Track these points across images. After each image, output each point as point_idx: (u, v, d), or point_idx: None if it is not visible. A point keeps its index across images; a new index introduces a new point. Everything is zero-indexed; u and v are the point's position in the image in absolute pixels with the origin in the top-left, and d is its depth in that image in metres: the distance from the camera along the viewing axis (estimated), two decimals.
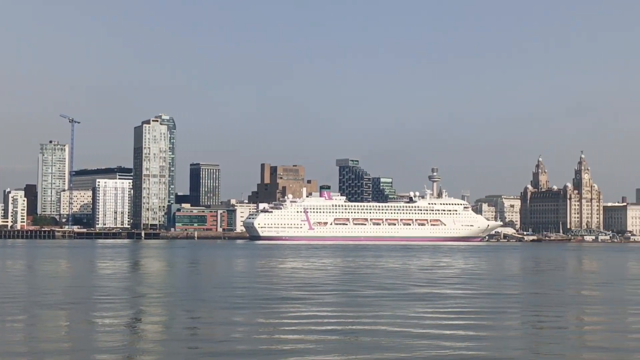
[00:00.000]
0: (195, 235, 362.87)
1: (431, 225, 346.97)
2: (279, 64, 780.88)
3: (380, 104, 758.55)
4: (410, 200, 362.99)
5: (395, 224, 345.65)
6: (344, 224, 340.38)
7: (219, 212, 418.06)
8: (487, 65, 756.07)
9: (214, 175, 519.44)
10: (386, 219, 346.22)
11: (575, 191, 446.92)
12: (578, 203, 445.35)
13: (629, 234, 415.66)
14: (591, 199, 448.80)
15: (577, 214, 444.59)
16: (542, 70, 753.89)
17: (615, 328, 43.53)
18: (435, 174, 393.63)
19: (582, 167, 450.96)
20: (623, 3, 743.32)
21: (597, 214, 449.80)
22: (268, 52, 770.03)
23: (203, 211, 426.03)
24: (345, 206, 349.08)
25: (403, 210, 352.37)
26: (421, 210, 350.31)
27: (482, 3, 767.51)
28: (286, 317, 46.48)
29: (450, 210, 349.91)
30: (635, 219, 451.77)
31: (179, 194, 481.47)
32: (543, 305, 56.43)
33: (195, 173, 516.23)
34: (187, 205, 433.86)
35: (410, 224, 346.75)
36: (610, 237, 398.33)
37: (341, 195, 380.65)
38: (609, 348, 36.42)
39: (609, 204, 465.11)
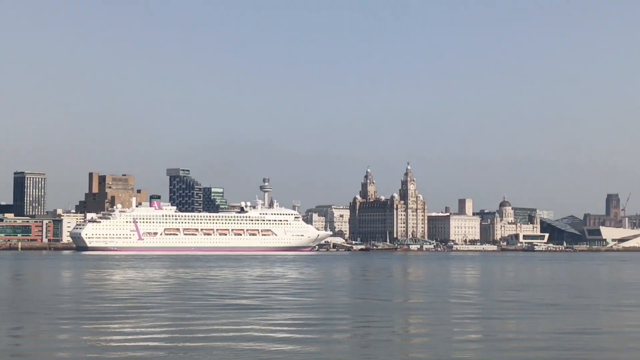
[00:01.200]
0: (19, 246, 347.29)
1: (262, 235, 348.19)
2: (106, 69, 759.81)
3: (212, 113, 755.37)
4: (242, 210, 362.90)
5: (226, 234, 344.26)
6: (174, 234, 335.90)
7: (45, 222, 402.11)
8: (312, 76, 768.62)
9: (40, 185, 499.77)
10: (217, 229, 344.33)
11: (402, 201, 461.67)
12: (404, 213, 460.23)
13: (452, 243, 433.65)
14: (417, 209, 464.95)
15: (403, 223, 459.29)
16: (368, 81, 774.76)
17: (438, 334, 44.95)
18: (266, 184, 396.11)
19: (408, 178, 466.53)
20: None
21: (422, 224, 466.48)
22: (94, 57, 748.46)
23: (27, 221, 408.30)
24: (176, 216, 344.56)
25: (234, 220, 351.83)
26: (252, 220, 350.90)
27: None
28: (111, 332, 44.98)
29: (281, 221, 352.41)
30: (458, 228, 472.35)
31: (2, 203, 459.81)
32: (371, 313, 57.60)
33: (19, 182, 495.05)
34: (10, 215, 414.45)
35: (241, 234, 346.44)
36: (434, 246, 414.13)
37: (172, 205, 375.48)
38: (434, 354, 37.52)
39: (434, 214, 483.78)
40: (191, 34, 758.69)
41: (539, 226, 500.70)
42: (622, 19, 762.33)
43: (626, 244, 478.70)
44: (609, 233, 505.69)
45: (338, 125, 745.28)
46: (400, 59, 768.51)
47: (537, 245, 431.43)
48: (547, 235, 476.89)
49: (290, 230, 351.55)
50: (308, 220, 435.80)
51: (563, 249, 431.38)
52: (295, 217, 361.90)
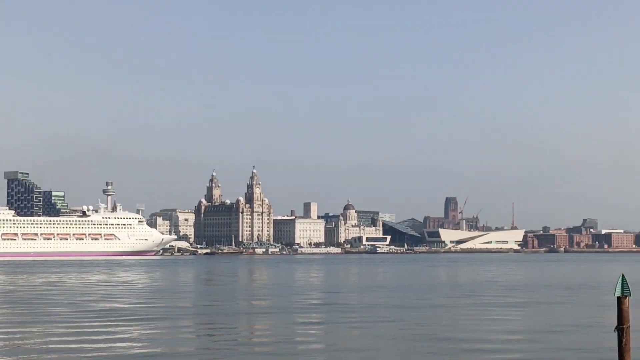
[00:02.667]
0: None
1: (105, 239, 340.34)
2: None
3: (52, 114, 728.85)
4: (84, 214, 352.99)
5: (67, 239, 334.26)
6: (12, 239, 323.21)
7: None
8: (156, 79, 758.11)
9: None
10: (58, 234, 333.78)
11: (247, 205, 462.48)
12: (250, 217, 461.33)
13: (297, 246, 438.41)
14: (262, 213, 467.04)
15: (249, 227, 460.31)
16: (213, 85, 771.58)
17: (281, 334, 45.57)
18: (109, 187, 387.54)
19: (254, 182, 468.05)
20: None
21: (268, 227, 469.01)
22: None
23: None
24: (14, 221, 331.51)
25: (75, 224, 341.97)
26: (95, 224, 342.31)
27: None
28: None
29: (124, 225, 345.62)
30: (303, 231, 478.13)
31: None
32: (216, 316, 57.63)
33: None
34: None
35: (83, 239, 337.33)
36: (279, 249, 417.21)
37: (9, 209, 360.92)
38: (277, 354, 38.06)
39: (279, 218, 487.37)
40: (36, 33, 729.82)
41: (381, 229, 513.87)
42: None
43: (463, 246, 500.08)
44: (447, 235, 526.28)
45: (184, 128, 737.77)
46: (245, 63, 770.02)
47: (379, 247, 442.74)
48: (389, 237, 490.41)
49: (134, 234, 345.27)
50: (152, 224, 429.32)
51: (404, 250, 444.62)
52: (139, 221, 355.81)
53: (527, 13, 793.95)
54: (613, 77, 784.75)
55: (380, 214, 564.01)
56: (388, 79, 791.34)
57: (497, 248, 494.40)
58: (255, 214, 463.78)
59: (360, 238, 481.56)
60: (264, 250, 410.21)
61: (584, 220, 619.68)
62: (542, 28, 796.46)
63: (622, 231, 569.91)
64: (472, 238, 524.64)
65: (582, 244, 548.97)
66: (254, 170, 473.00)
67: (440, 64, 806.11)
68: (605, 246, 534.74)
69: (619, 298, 21.46)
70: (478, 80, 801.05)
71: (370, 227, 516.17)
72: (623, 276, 21.57)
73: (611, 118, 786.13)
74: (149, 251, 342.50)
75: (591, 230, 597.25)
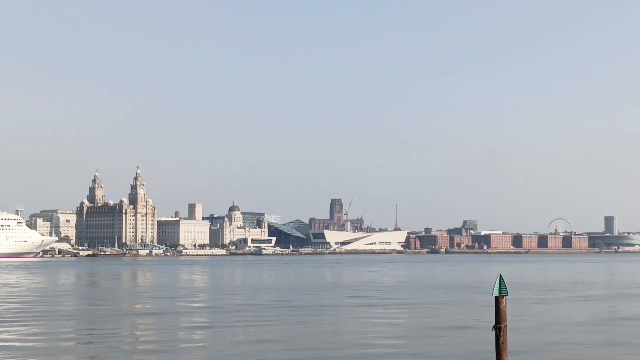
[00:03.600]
0: None
1: None
2: None
3: None
4: None
5: None
6: None
7: None
8: (43, 75, 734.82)
9: None
10: None
11: (131, 206, 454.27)
12: (133, 218, 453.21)
13: (181, 248, 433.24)
14: (146, 214, 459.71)
15: (133, 228, 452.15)
16: (99, 84, 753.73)
17: (164, 337, 45.00)
18: None
19: (138, 183, 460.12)
20: None
21: (152, 229, 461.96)
22: None
23: None
24: None
25: None
26: None
27: None
28: None
29: (2, 226, 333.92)
30: (188, 233, 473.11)
31: None
32: (98, 320, 56.37)
33: None
34: None
35: None
36: (163, 250, 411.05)
37: None
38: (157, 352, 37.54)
39: (163, 219, 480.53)
40: None
41: (266, 230, 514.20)
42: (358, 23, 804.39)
43: (348, 247, 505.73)
44: (332, 236, 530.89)
45: (67, 127, 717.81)
46: (129, 62, 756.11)
47: (265, 249, 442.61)
48: (274, 239, 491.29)
49: (13, 235, 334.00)
50: (32, 225, 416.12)
51: (289, 252, 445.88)
52: (18, 222, 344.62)
53: (412, 20, 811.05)
54: (487, 83, 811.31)
55: (265, 215, 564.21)
56: (270, 79, 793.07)
57: (380, 249, 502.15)
58: (139, 215, 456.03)
59: (245, 240, 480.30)
60: (147, 251, 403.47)
61: (465, 222, 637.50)
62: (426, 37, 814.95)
63: (500, 232, 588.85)
64: (357, 239, 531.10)
65: (462, 245, 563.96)
66: (138, 171, 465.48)
67: (325, 67, 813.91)
68: (485, 247, 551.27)
69: (496, 298, 22.05)
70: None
71: (256, 228, 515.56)
72: (501, 276, 22.19)
73: (487, 123, 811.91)
74: (28, 253, 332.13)
75: (471, 231, 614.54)
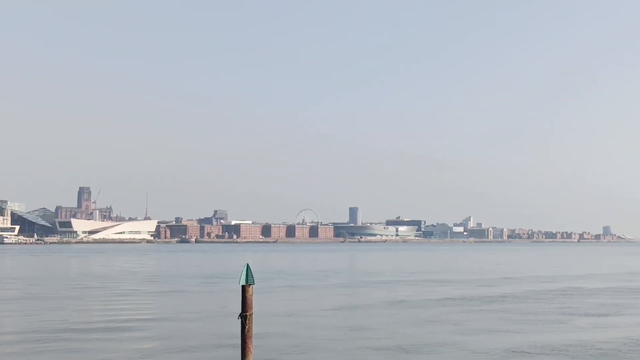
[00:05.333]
0: None
1: None
2: None
3: None
4: None
5: None
6: None
7: None
8: None
9: None
10: None
11: None
12: None
13: None
14: None
15: None
16: None
17: None
18: None
19: None
20: None
21: None
22: None
23: None
24: None
25: None
26: None
27: None
28: None
29: None
30: None
31: None
32: None
33: None
34: None
35: None
36: None
37: None
38: None
39: None
40: None
41: (9, 218, 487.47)
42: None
43: (96, 236, 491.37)
44: (80, 225, 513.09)
45: None
46: None
47: (7, 237, 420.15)
48: (18, 227, 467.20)
49: None
50: None
51: (34, 241, 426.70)
52: None
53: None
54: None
55: (8, 202, 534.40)
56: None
57: (130, 238, 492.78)
58: None
59: None
60: None
61: (215, 212, 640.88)
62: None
63: (250, 222, 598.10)
64: (105, 228, 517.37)
65: (212, 235, 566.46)
66: None
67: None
68: (235, 236, 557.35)
69: (243, 286, 22.68)
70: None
71: None
72: (248, 265, 22.85)
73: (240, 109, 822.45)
74: None
75: (222, 221, 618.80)
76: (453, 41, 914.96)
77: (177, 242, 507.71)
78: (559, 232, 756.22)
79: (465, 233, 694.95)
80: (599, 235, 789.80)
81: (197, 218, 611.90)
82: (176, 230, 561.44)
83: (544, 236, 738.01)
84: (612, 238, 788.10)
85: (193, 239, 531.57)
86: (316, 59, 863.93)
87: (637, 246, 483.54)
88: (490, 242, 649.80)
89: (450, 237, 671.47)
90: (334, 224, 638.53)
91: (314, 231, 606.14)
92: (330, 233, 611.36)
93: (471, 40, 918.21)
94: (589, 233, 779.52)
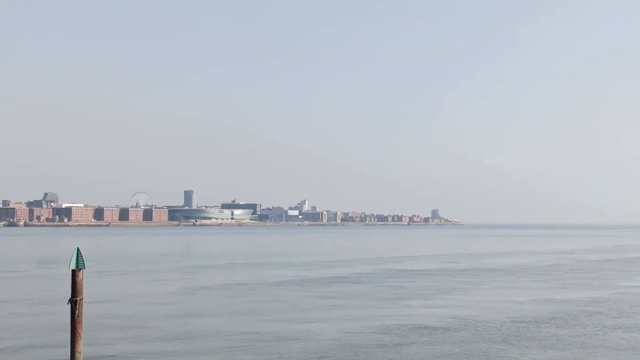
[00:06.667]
0: None
1: None
2: None
3: None
4: None
5: None
6: None
7: None
8: None
9: None
10: None
11: None
12: None
13: None
14: None
15: None
16: None
17: None
18: None
19: None
20: None
21: None
22: None
23: None
24: None
25: None
26: None
27: None
28: None
29: None
30: None
31: None
32: None
33: None
34: None
35: None
36: None
37: None
38: None
39: None
40: None
41: None
42: None
43: None
44: None
45: None
46: None
47: None
48: None
49: None
50: None
51: None
52: None
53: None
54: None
55: None
56: None
57: None
58: None
59: None
60: None
61: (45, 194, 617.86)
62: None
63: (82, 205, 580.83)
64: None
65: (42, 218, 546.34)
66: None
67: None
68: (66, 220, 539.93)
69: (73, 271, 21.81)
70: None
71: None
72: (78, 249, 21.99)
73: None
74: None
75: (52, 204, 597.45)
76: None
77: (5, 225, 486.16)
78: (390, 216, 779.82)
79: (300, 216, 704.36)
80: (428, 218, 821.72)
81: (26, 201, 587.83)
82: (3, 214, 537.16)
83: (375, 219, 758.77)
84: (440, 221, 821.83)
85: (22, 222, 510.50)
86: (143, 43, 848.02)
87: (462, 229, 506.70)
88: (325, 225, 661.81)
89: (286, 221, 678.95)
90: (168, 207, 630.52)
91: (148, 214, 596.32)
92: (165, 216, 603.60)
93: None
94: (418, 216, 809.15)
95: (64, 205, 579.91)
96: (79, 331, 21.91)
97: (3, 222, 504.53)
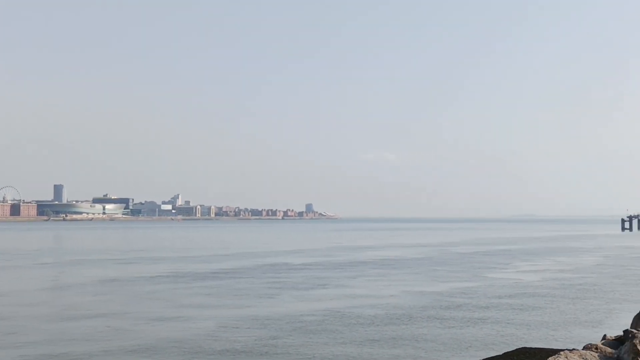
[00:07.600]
0: None
1: None
2: None
3: None
4: None
5: None
6: None
7: None
8: None
9: None
10: None
11: None
12: None
13: None
14: None
15: None
16: None
17: None
18: None
19: None
20: None
21: None
22: None
23: None
24: None
25: None
26: None
27: None
28: None
29: None
30: None
31: None
32: None
33: None
34: None
35: None
36: None
37: None
38: None
39: None
40: None
41: None
42: None
43: None
44: None
45: None
46: None
47: None
48: None
49: None
50: None
51: None
52: None
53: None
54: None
55: None
56: None
57: None
58: None
59: None
60: None
61: None
62: None
63: None
64: None
65: None
66: None
67: None
68: None
69: None
70: None
71: None
72: None
73: None
74: None
75: None
76: None
77: None
78: (265, 210, 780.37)
79: (173, 211, 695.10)
80: (302, 212, 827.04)
81: None
82: None
83: (250, 214, 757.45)
84: (314, 215, 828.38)
85: None
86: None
87: (335, 223, 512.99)
88: (198, 219, 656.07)
89: (159, 215, 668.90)
90: (37, 202, 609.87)
91: (15, 209, 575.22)
92: (34, 211, 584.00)
93: None
94: (292, 210, 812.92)
95: None
96: None
97: None
